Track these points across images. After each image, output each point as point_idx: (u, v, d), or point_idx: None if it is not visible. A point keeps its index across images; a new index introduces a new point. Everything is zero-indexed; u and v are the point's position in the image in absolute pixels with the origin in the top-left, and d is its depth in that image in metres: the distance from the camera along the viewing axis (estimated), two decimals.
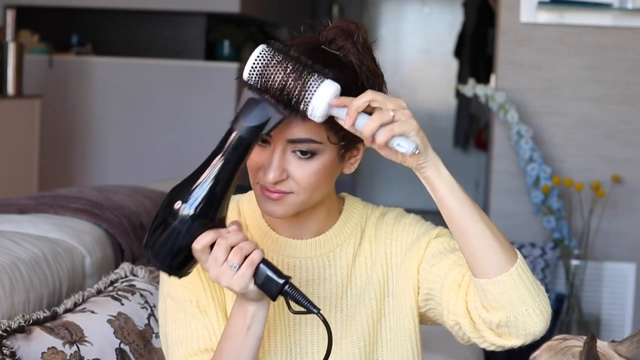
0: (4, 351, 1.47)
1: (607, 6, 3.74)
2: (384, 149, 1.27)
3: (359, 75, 1.34)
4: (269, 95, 1.26)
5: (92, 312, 1.71)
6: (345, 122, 1.26)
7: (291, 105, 1.26)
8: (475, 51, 6.71)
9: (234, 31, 5.37)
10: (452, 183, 1.30)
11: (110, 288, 1.85)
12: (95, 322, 1.68)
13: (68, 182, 4.99)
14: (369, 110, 1.25)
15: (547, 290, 3.63)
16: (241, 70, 1.41)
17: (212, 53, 5.45)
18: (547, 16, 3.81)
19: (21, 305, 1.69)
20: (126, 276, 1.90)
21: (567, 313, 3.69)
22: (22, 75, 4.17)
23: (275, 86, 1.25)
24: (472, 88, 3.77)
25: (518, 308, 1.30)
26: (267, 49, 1.26)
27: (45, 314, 1.65)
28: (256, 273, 1.26)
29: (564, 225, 3.67)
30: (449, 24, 7.61)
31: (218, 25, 5.47)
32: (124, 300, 1.78)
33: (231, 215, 1.46)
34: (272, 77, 1.25)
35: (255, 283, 1.26)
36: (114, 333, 1.69)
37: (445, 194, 1.29)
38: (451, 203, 1.30)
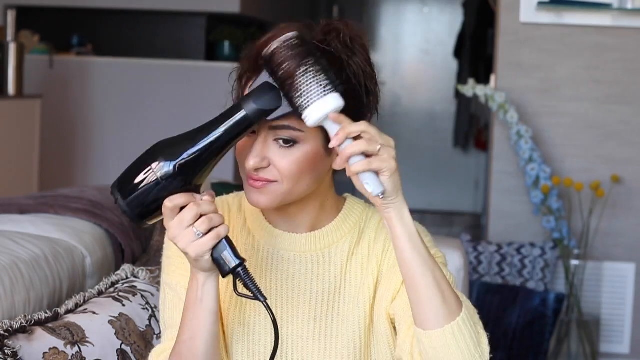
0: (6, 351, 1.47)
1: (606, 6, 3.74)
2: (354, 177, 1.27)
3: (349, 75, 1.34)
4: (277, 79, 1.27)
5: (94, 313, 1.71)
6: (332, 142, 1.26)
7: (291, 99, 1.26)
8: (475, 51, 6.72)
9: (234, 31, 5.37)
10: (412, 230, 1.30)
11: (112, 289, 1.86)
12: (97, 323, 1.69)
13: (68, 182, 4.99)
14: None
15: (547, 290, 3.64)
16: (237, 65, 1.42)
17: (212, 53, 5.45)
18: (546, 16, 3.81)
19: (22, 305, 1.69)
20: (127, 277, 1.90)
21: (567, 313, 3.70)
22: (22, 76, 4.17)
23: (288, 74, 1.26)
24: (472, 88, 3.77)
25: None
26: (297, 38, 1.27)
27: (46, 315, 1.65)
28: (216, 246, 1.28)
29: (563, 225, 3.68)
30: (449, 24, 7.61)
31: (218, 26, 5.48)
32: (125, 302, 1.79)
33: (233, 209, 1.50)
34: (290, 64, 1.26)
35: (212, 255, 1.28)
36: (115, 334, 1.69)
37: (402, 241, 1.30)
38: (405, 250, 1.30)
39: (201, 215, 1.26)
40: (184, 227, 1.26)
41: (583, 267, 3.73)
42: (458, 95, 6.85)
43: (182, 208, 1.27)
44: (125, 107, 5.10)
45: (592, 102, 3.84)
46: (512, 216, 3.87)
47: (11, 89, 4.12)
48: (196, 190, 1.29)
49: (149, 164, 1.27)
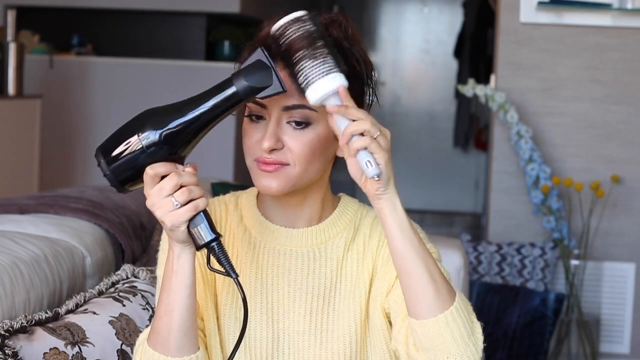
0: (7, 351, 1.47)
1: (606, 6, 3.75)
2: (353, 163, 1.30)
3: (352, 62, 1.38)
4: (284, 56, 1.30)
5: (94, 313, 1.71)
6: (330, 116, 1.30)
7: (296, 75, 1.29)
8: (475, 51, 6.72)
9: (234, 31, 5.37)
10: (404, 222, 1.32)
11: (112, 289, 1.86)
12: (97, 323, 1.69)
13: (68, 182, 5.00)
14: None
15: (547, 290, 3.64)
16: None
17: (212, 53, 5.46)
18: (546, 16, 3.81)
19: (22, 305, 1.70)
20: (127, 278, 1.90)
21: (567, 313, 3.70)
22: (22, 76, 4.18)
23: (295, 51, 1.28)
24: (472, 88, 3.78)
25: (439, 354, 1.32)
26: (307, 16, 1.30)
27: (47, 315, 1.65)
28: (193, 218, 1.29)
29: (563, 225, 3.68)
30: (449, 24, 7.62)
31: (218, 26, 5.48)
32: (125, 302, 1.79)
33: (230, 207, 1.51)
34: (298, 41, 1.28)
35: (188, 227, 1.29)
36: (115, 334, 1.69)
37: (394, 231, 1.32)
38: (397, 240, 1.32)
39: (181, 186, 1.27)
40: (163, 196, 1.27)
41: (583, 267, 3.73)
42: (458, 95, 6.86)
43: (163, 177, 1.28)
44: (126, 107, 5.09)
45: (592, 102, 3.84)
46: (512, 216, 3.87)
47: (11, 89, 4.12)
48: (180, 161, 1.30)
49: (135, 131, 1.27)
